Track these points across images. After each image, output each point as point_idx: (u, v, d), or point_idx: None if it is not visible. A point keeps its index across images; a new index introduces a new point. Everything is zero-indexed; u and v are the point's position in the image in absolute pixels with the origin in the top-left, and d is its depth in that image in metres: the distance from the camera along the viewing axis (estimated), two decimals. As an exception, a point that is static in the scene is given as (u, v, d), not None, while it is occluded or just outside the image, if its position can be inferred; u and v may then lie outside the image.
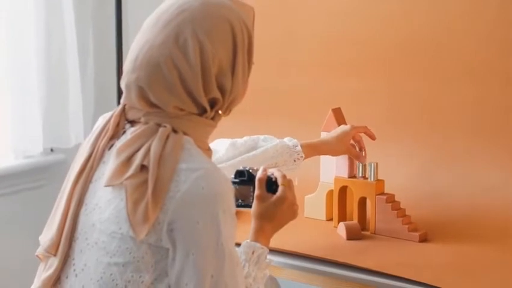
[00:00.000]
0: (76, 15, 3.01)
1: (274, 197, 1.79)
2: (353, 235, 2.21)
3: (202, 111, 1.58)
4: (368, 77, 2.63)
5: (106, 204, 1.54)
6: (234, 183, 1.82)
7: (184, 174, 1.50)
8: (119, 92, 3.01)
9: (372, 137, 2.29)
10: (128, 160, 1.52)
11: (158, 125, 1.55)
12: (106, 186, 1.53)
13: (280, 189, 1.79)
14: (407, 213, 2.24)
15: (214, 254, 1.49)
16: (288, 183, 1.81)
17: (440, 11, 2.50)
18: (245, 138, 2.19)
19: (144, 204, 1.49)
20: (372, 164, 2.23)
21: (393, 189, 2.27)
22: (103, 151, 1.59)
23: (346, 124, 2.31)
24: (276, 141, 2.20)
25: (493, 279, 1.94)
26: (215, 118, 1.62)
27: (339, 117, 2.33)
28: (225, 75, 1.57)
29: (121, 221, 1.51)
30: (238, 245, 1.63)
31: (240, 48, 1.58)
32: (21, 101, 2.90)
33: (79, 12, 3.06)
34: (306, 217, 2.38)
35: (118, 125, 1.60)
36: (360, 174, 2.27)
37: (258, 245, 1.73)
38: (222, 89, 1.58)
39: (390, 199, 2.24)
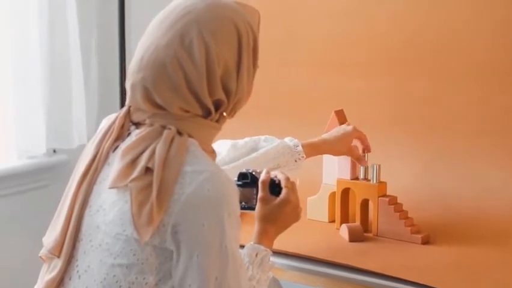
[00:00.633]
0: (80, 16, 3.01)
1: (278, 199, 1.80)
2: (355, 237, 2.21)
3: (207, 113, 1.59)
4: (370, 77, 2.63)
5: (110, 206, 1.54)
6: (237, 185, 1.82)
7: (189, 177, 1.50)
8: (123, 93, 3.03)
9: (368, 149, 2.28)
10: (133, 162, 1.53)
11: (163, 127, 1.55)
12: (110, 188, 1.54)
13: (283, 191, 1.80)
14: (409, 215, 2.24)
15: (218, 256, 1.50)
16: (292, 186, 1.81)
17: (444, 11, 2.50)
18: (246, 139, 2.19)
19: (149, 207, 1.49)
20: (375, 166, 2.23)
21: (396, 191, 2.27)
22: (108, 153, 1.60)
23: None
24: (277, 141, 2.19)
25: (495, 281, 1.94)
26: (220, 120, 1.62)
27: (342, 119, 2.33)
28: (230, 77, 1.58)
29: (126, 223, 1.51)
30: (242, 247, 1.64)
31: (245, 50, 1.59)
32: (25, 101, 2.90)
33: (83, 13, 3.06)
34: (308, 219, 2.38)
35: (122, 126, 1.60)
36: (363, 176, 2.28)
37: (262, 247, 1.74)
38: (226, 91, 1.58)
39: (393, 201, 2.24)
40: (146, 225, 1.48)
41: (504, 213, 2.30)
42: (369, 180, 2.26)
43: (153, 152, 1.52)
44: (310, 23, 2.73)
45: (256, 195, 1.81)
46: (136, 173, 1.51)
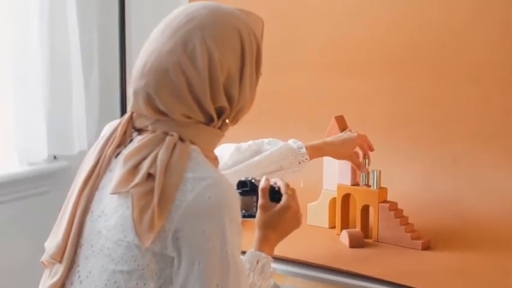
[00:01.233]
0: (80, 21, 3.01)
1: (278, 205, 1.79)
2: (355, 243, 2.22)
3: (210, 120, 1.59)
4: (371, 79, 2.63)
5: (112, 211, 1.55)
6: None
7: (191, 183, 1.50)
8: (123, 99, 3.03)
9: (371, 148, 2.29)
10: (135, 168, 1.53)
11: (166, 134, 1.55)
12: (112, 193, 1.54)
13: (284, 197, 1.79)
14: (410, 220, 2.24)
15: (219, 263, 1.49)
16: (292, 192, 1.81)
17: (444, 13, 2.50)
18: (249, 142, 2.19)
19: (150, 213, 1.49)
20: (375, 172, 2.24)
21: (396, 196, 2.27)
22: (110, 159, 1.60)
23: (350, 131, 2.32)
24: (281, 144, 2.19)
25: (496, 286, 1.94)
26: (222, 127, 1.62)
27: (342, 124, 2.34)
28: (232, 83, 1.58)
29: (127, 229, 1.51)
30: (243, 253, 1.64)
31: (248, 57, 1.59)
32: (26, 107, 2.90)
33: (83, 18, 3.06)
34: (309, 225, 2.38)
35: (125, 133, 1.60)
36: (363, 182, 2.28)
37: (263, 254, 1.74)
38: (229, 97, 1.58)
39: (393, 207, 2.24)
40: (147, 231, 1.49)
41: (505, 217, 2.31)
42: (370, 186, 2.26)
43: (155, 158, 1.52)
44: (313, 26, 2.74)
45: (256, 203, 1.81)
46: (137, 179, 1.51)
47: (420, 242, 2.19)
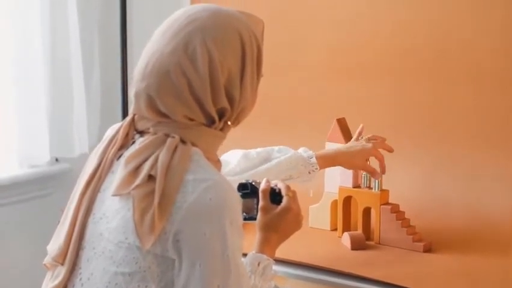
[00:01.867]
0: (81, 23, 3.01)
1: (279, 207, 1.79)
2: (357, 245, 2.22)
3: (211, 122, 1.59)
4: (372, 83, 2.63)
5: (113, 213, 1.55)
6: None
7: (192, 185, 1.50)
8: (124, 102, 3.03)
9: (390, 150, 2.26)
10: (136, 170, 1.53)
11: (167, 136, 1.55)
12: (113, 195, 1.54)
13: (284, 199, 1.79)
14: (411, 223, 2.24)
15: (220, 265, 1.49)
16: (293, 194, 1.81)
17: (446, 18, 2.50)
18: (258, 149, 2.16)
19: (151, 214, 1.49)
20: (377, 174, 2.24)
21: (398, 198, 2.27)
22: (112, 161, 1.60)
23: (351, 134, 2.31)
24: (291, 152, 2.16)
25: (498, 289, 1.95)
26: (224, 129, 1.62)
27: (344, 127, 2.33)
28: (233, 85, 1.58)
29: (128, 230, 1.51)
30: (244, 255, 1.64)
31: (248, 58, 1.59)
32: (27, 110, 2.90)
33: (84, 20, 3.07)
34: (310, 227, 2.38)
35: (127, 135, 1.60)
36: (365, 184, 2.28)
37: (264, 256, 1.73)
38: (230, 99, 1.58)
39: (395, 209, 2.24)
40: (148, 233, 1.49)
41: (507, 219, 2.30)
42: (371, 188, 2.26)
43: (156, 160, 1.52)
44: (312, 28, 2.74)
45: (257, 205, 1.80)
46: (138, 180, 1.51)
47: (421, 244, 2.19)
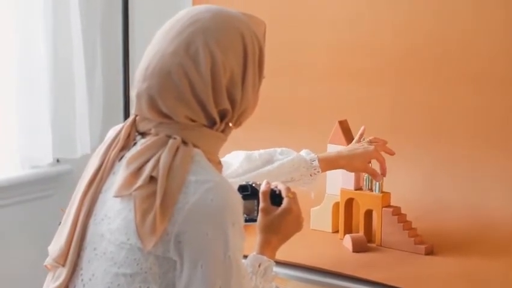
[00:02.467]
0: (84, 25, 3.02)
1: (280, 209, 1.79)
2: (359, 247, 2.21)
3: (212, 123, 1.59)
4: (373, 86, 2.63)
5: (115, 214, 1.55)
6: None
7: (193, 186, 1.50)
8: (126, 103, 3.03)
9: (391, 153, 2.26)
10: (138, 171, 1.53)
11: (169, 137, 1.55)
12: (115, 196, 1.54)
13: (285, 201, 1.79)
14: (413, 225, 2.24)
15: (222, 266, 1.49)
16: (293, 195, 1.80)
17: (446, 21, 2.50)
18: (261, 151, 2.16)
19: (152, 216, 1.49)
20: (378, 177, 2.24)
21: (399, 201, 2.27)
22: (113, 162, 1.60)
23: (352, 136, 2.31)
24: (293, 155, 2.16)
25: (499, 292, 1.95)
26: (225, 131, 1.62)
27: (346, 129, 2.33)
28: (235, 86, 1.58)
29: (129, 231, 1.51)
30: (244, 257, 1.64)
31: (250, 59, 1.59)
32: (30, 111, 2.90)
33: (87, 22, 3.07)
34: (312, 229, 2.38)
35: (128, 136, 1.60)
36: (367, 187, 2.28)
37: (265, 257, 1.73)
38: (232, 100, 1.58)
39: (397, 211, 2.24)
40: (150, 234, 1.49)
41: (508, 222, 2.30)
42: (373, 191, 2.26)
43: (158, 161, 1.52)
44: (314, 31, 2.74)
45: (258, 207, 1.80)
46: (140, 181, 1.51)
47: (423, 246, 2.18)
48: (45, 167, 3.01)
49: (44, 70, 2.92)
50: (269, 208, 1.79)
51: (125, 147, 1.60)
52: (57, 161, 3.08)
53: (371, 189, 2.27)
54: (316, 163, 2.15)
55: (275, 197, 1.80)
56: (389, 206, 2.25)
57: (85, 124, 3.03)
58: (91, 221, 1.59)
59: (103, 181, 1.60)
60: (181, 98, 1.55)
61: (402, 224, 2.22)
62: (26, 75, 2.89)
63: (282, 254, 1.82)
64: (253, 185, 1.82)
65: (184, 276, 1.50)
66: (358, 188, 2.31)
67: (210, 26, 1.57)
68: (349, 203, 2.31)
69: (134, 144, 1.59)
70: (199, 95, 1.55)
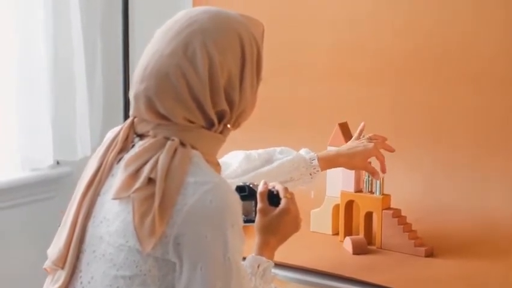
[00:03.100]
0: (84, 27, 3.02)
1: (277, 209, 1.79)
2: (359, 250, 2.21)
3: (210, 125, 1.58)
4: (374, 87, 2.63)
5: (113, 216, 1.55)
6: None
7: (192, 188, 1.50)
8: (126, 106, 3.03)
9: (391, 150, 2.26)
10: (136, 173, 1.53)
11: (167, 139, 1.55)
12: (113, 199, 1.54)
13: (283, 201, 1.79)
14: (413, 227, 2.24)
15: (221, 268, 1.49)
16: (291, 196, 1.80)
17: (448, 23, 2.50)
18: (260, 151, 2.16)
19: (151, 218, 1.49)
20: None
21: (399, 203, 2.27)
22: (112, 164, 1.59)
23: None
24: (293, 154, 2.15)
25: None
26: (224, 132, 1.62)
27: (346, 131, 2.33)
28: (233, 87, 1.58)
29: (128, 234, 1.51)
30: (243, 259, 1.63)
31: (248, 61, 1.59)
32: (30, 114, 2.90)
33: (87, 24, 3.07)
34: (312, 231, 2.38)
35: (127, 138, 1.60)
36: (367, 189, 2.27)
37: (263, 258, 1.73)
38: (230, 101, 1.58)
39: (397, 214, 2.24)
40: (149, 236, 1.48)
41: (508, 224, 2.30)
42: (373, 193, 2.26)
43: (156, 163, 1.52)
44: (314, 32, 2.74)
45: (255, 208, 1.80)
46: (138, 183, 1.51)
47: (423, 249, 2.18)
48: (45, 169, 3.01)
49: (44, 70, 2.92)
50: (267, 209, 1.79)
51: (123, 149, 1.60)
52: (58, 163, 3.08)
53: (371, 192, 2.27)
54: (316, 162, 2.15)
55: (273, 198, 1.80)
56: (389, 208, 2.25)
57: (85, 125, 3.03)
58: (90, 224, 1.58)
59: (101, 183, 1.59)
60: (179, 100, 1.55)
61: (402, 226, 2.21)
62: (26, 77, 2.89)
63: (282, 255, 1.82)
64: (251, 185, 1.82)
65: (183, 279, 1.50)
66: (358, 190, 2.30)
67: (208, 27, 1.57)
68: (349, 205, 2.31)
69: (133, 146, 1.59)
70: (197, 96, 1.55)
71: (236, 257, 1.51)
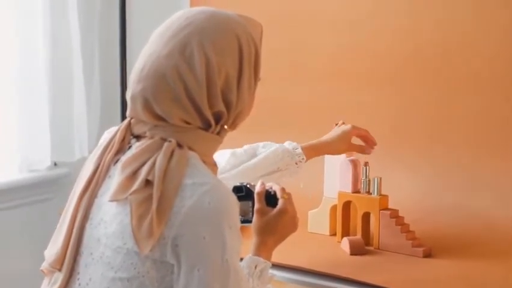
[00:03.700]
0: (82, 28, 3.02)
1: (275, 210, 1.79)
2: (356, 250, 2.21)
3: (207, 126, 1.58)
4: (374, 89, 2.63)
5: (111, 219, 1.54)
6: None
7: (190, 189, 1.50)
8: (124, 107, 3.03)
9: (373, 143, 2.27)
10: (133, 175, 1.52)
11: (164, 140, 1.55)
12: (110, 201, 1.53)
13: (280, 201, 1.79)
14: (411, 228, 2.24)
15: (219, 270, 1.49)
16: (288, 196, 1.80)
17: (448, 24, 2.50)
18: (245, 147, 2.18)
19: (149, 220, 1.48)
20: (376, 179, 2.24)
21: (397, 203, 2.27)
22: (109, 166, 1.59)
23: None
24: (276, 146, 2.19)
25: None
26: (221, 133, 1.62)
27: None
28: (230, 88, 1.58)
29: (126, 236, 1.51)
30: (241, 259, 1.63)
31: (246, 62, 1.59)
32: (29, 113, 2.90)
33: (85, 25, 3.07)
34: (309, 232, 2.38)
35: (123, 139, 1.60)
36: (364, 190, 2.28)
37: (261, 259, 1.73)
38: (227, 102, 1.58)
39: (394, 214, 2.24)
40: (146, 238, 1.48)
41: (506, 225, 2.30)
42: (371, 194, 2.26)
43: (153, 165, 1.52)
44: (314, 34, 2.74)
45: (253, 208, 1.80)
46: (136, 185, 1.51)
47: (421, 249, 2.18)
48: (43, 170, 3.01)
49: (42, 72, 2.92)
50: (264, 209, 1.79)
51: (120, 150, 1.59)
52: (55, 164, 3.07)
53: (368, 192, 2.27)
54: (299, 150, 2.18)
55: (270, 198, 1.80)
56: (386, 208, 2.25)
57: (83, 126, 3.03)
58: (87, 226, 1.58)
59: (98, 185, 1.59)
60: (176, 100, 1.54)
61: (400, 226, 2.21)
62: (24, 76, 2.89)
63: (279, 256, 1.82)
64: (248, 185, 1.82)
65: (181, 280, 1.50)
66: (356, 190, 2.30)
67: (205, 27, 1.56)
68: (347, 205, 2.31)
69: (129, 147, 1.59)
70: (194, 97, 1.55)
71: (234, 258, 1.51)
